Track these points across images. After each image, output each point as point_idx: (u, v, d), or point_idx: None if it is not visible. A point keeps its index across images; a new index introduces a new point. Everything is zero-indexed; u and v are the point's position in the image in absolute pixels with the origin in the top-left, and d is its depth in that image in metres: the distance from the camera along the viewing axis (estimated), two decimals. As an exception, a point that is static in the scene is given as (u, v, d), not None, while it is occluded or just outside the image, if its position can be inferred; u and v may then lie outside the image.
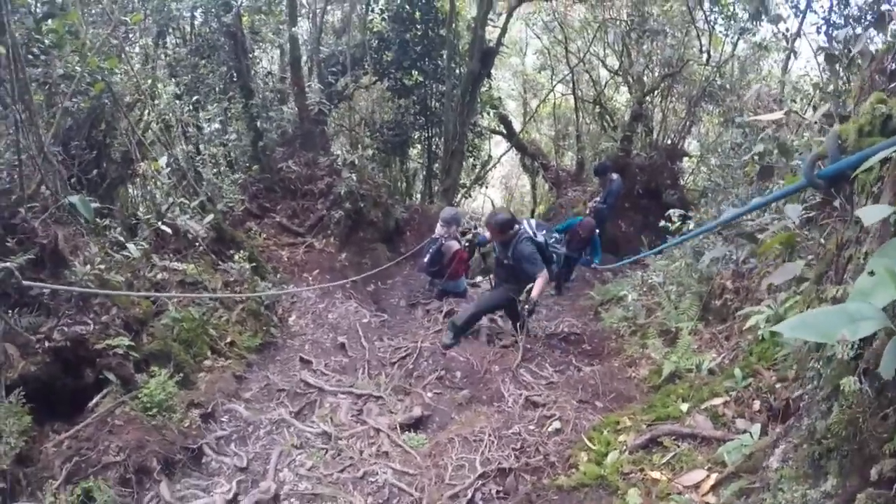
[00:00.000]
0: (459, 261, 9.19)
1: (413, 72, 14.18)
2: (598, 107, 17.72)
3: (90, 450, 4.12)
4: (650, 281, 7.62)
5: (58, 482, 3.73)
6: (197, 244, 7.35)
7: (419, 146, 15.78)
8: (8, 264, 3.78)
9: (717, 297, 5.86)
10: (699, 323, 5.90)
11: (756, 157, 4.91)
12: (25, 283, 3.97)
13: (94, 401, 4.61)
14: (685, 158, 15.87)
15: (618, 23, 15.35)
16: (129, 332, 5.22)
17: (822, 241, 3.66)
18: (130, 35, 8.55)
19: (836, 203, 3.19)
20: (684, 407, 4.36)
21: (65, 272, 4.98)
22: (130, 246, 5.95)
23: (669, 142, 15.26)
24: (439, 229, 9.30)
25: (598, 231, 10.56)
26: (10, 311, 4.41)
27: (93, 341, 4.75)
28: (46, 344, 4.47)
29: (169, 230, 6.80)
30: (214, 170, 10.08)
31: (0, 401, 3.78)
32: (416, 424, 5.49)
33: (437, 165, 15.02)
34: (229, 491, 4.39)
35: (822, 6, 7.93)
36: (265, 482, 4.55)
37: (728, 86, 13.11)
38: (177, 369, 5.42)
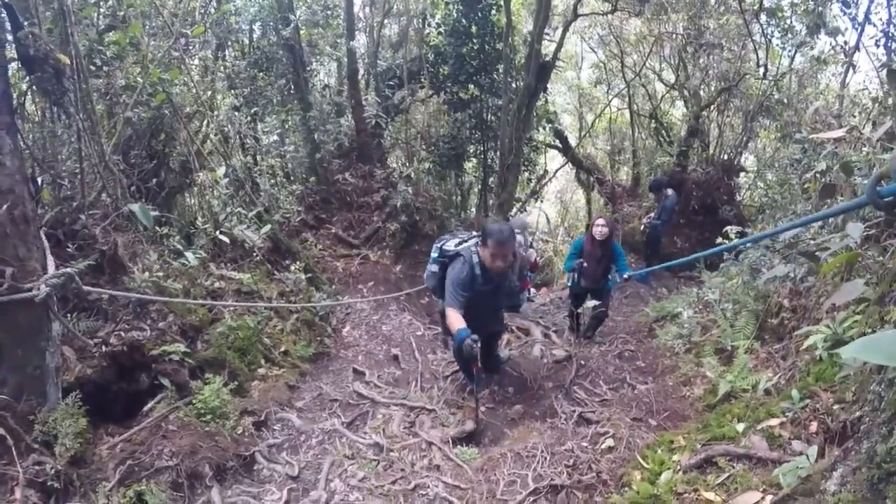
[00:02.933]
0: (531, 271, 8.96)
1: (469, 86, 14.15)
2: (654, 121, 17.50)
3: (143, 453, 4.15)
4: (706, 298, 7.45)
5: (111, 484, 3.76)
6: (254, 254, 7.41)
7: (475, 160, 15.71)
8: (69, 270, 3.83)
9: (773, 316, 5.70)
10: (755, 342, 5.73)
11: (818, 175, 4.77)
12: (85, 288, 4.03)
13: (149, 405, 4.66)
14: (742, 174, 15.59)
15: (674, 36, 15.16)
16: (185, 338, 5.29)
17: (884, 260, 3.51)
18: (191, 47, 8.70)
19: (899, 223, 3.05)
20: (740, 427, 4.22)
21: (123, 278, 5.07)
22: (188, 254, 6.03)
23: (726, 157, 14.99)
24: (517, 238, 8.71)
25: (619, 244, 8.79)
26: (69, 315, 4.48)
27: (149, 347, 4.81)
28: (103, 348, 4.54)
29: (226, 239, 6.88)
30: (272, 181, 10.19)
31: (57, 403, 3.82)
32: (468, 438, 5.41)
33: (492, 179, 14.95)
34: (280, 499, 4.40)
35: (880, 18, 7.66)
36: (316, 491, 4.55)
37: (785, 100, 12.74)
38: (231, 377, 5.46)
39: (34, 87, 5.05)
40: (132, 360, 4.70)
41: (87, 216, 5.10)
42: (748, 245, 7.16)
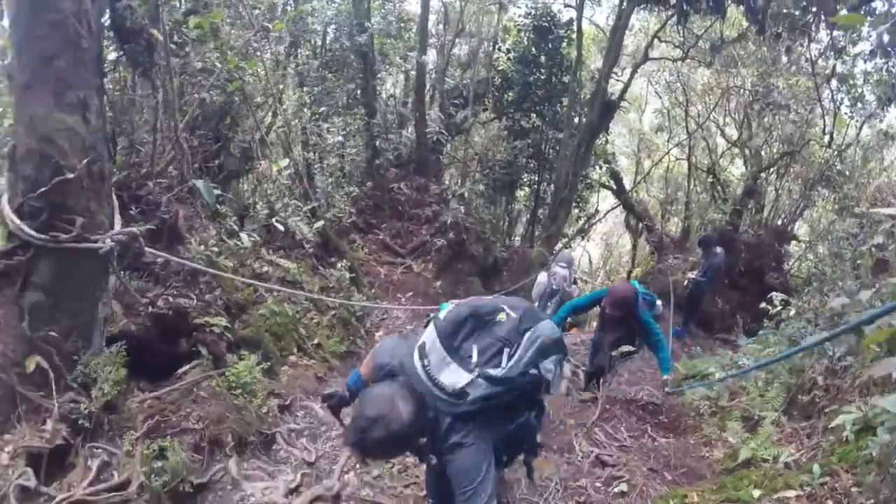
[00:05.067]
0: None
1: (532, 115, 14.28)
2: (711, 176, 17.35)
3: (172, 413, 4.28)
4: (739, 363, 7.37)
5: (137, 434, 3.89)
6: (303, 246, 7.59)
7: (527, 189, 15.80)
8: (134, 229, 4.02)
9: (805, 392, 5.58)
10: (783, 415, 5.64)
11: (873, 249, 4.74)
12: (146, 249, 4.23)
13: (184, 369, 4.79)
14: (793, 242, 15.34)
15: (741, 92, 15.07)
16: (227, 314, 5.45)
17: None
18: (266, 41, 8.93)
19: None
20: (756, 493, 4.15)
21: (179, 248, 5.26)
22: (243, 235, 6.22)
23: (780, 222, 14.80)
24: (560, 271, 7.94)
25: (650, 307, 6.84)
26: (123, 273, 4.67)
27: (193, 315, 4.99)
28: (150, 309, 4.71)
29: (280, 227, 7.06)
30: (329, 179, 10.40)
31: (101, 349, 3.99)
32: (486, 456, 5.41)
33: (541, 211, 15.04)
34: (293, 481, 4.47)
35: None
36: (329, 480, 4.61)
37: (848, 172, 12.57)
38: (264, 358, 5.57)
39: (125, 56, 5.30)
40: (175, 325, 4.87)
41: (153, 184, 5.32)
42: (791, 315, 7.06)
